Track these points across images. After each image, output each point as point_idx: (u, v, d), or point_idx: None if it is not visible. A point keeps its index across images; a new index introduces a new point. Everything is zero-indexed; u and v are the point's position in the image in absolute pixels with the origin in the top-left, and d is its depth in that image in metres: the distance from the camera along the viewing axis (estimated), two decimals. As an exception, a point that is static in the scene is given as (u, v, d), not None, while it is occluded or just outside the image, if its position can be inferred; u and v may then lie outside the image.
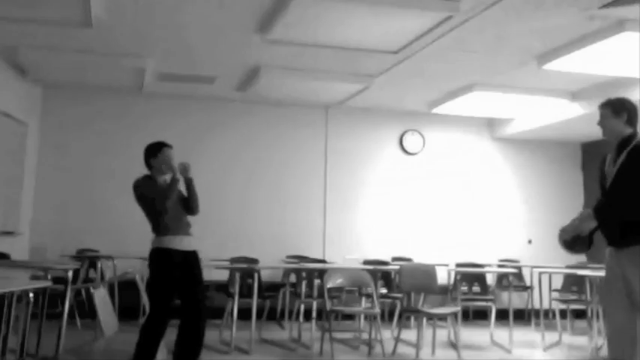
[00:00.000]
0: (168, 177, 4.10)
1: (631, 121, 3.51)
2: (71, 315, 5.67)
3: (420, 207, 8.16)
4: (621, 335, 3.38)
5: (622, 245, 3.44)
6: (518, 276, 7.68)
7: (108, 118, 7.45)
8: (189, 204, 4.17)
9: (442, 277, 6.15)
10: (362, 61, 6.03)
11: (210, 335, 5.92)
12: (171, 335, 4.07)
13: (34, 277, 4.64)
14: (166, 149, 4.15)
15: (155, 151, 4.13)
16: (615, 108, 3.54)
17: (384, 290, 6.54)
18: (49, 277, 4.46)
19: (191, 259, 4.10)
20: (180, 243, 4.04)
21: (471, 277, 6.78)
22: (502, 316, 6.36)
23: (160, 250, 3.99)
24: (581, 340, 6.36)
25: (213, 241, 7.29)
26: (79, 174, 7.29)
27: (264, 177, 7.81)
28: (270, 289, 6.43)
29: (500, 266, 7.67)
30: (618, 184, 3.47)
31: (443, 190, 8.28)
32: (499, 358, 5.56)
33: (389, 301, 6.58)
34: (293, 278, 6.69)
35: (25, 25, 5.24)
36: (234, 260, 6.24)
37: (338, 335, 6.00)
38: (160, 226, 4.01)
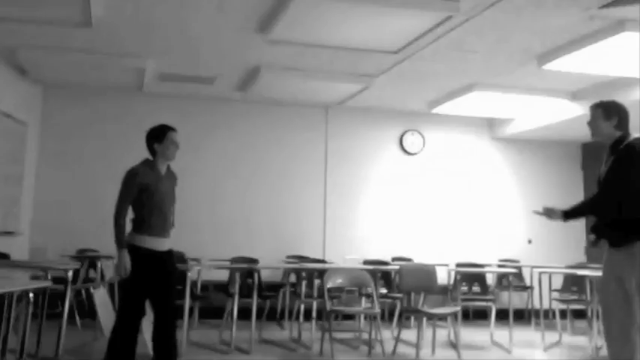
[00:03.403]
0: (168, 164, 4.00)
1: (621, 125, 3.58)
2: (71, 315, 5.67)
3: (420, 207, 8.16)
4: (620, 337, 3.39)
5: (617, 245, 3.47)
6: (518, 276, 7.68)
7: (108, 118, 7.45)
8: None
9: (442, 277, 6.16)
10: (362, 61, 6.03)
11: (211, 335, 5.94)
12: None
13: (34, 277, 4.63)
14: (172, 133, 3.95)
15: (160, 136, 3.93)
16: (607, 111, 3.59)
17: (384, 290, 6.54)
18: (49, 277, 4.46)
19: (165, 258, 3.92)
20: (159, 244, 3.87)
21: (470, 277, 6.79)
22: (502, 316, 6.36)
23: (137, 248, 3.81)
24: (581, 340, 6.36)
25: (213, 241, 7.32)
26: (79, 174, 7.29)
27: (264, 177, 7.81)
28: (270, 289, 6.43)
29: (500, 266, 7.67)
30: (607, 185, 3.53)
31: (443, 190, 8.28)
32: (499, 358, 5.56)
33: (389, 301, 6.58)
34: (293, 278, 6.69)
35: (25, 25, 5.24)
36: (234, 260, 6.24)
37: (338, 335, 6.00)
38: (143, 224, 3.83)
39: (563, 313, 6.79)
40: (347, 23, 4.84)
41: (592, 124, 3.66)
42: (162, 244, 3.89)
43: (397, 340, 5.43)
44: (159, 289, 3.86)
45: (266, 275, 6.40)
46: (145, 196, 3.83)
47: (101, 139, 7.39)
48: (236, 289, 5.69)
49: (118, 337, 3.82)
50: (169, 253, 3.97)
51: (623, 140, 3.53)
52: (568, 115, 7.04)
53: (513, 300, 6.38)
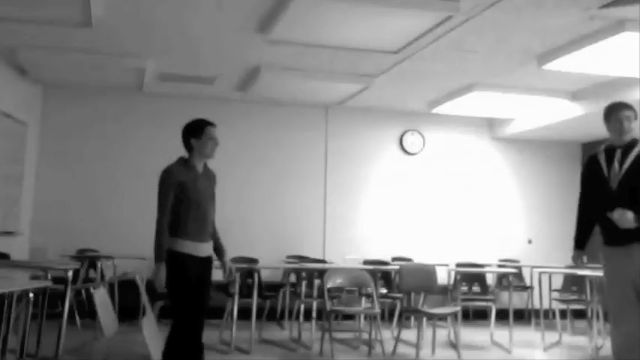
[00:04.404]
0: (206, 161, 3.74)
1: None
2: (71, 315, 5.67)
3: (420, 207, 8.16)
4: (633, 341, 3.36)
5: (618, 244, 3.47)
6: (518, 276, 7.68)
7: (108, 118, 7.45)
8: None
9: (442, 277, 6.16)
10: (362, 61, 6.03)
11: (210, 335, 5.93)
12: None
13: (34, 277, 4.64)
14: (210, 128, 3.71)
15: (198, 131, 3.67)
16: (635, 112, 3.69)
17: (384, 290, 6.54)
18: (49, 277, 4.46)
19: (206, 264, 3.68)
20: (198, 249, 3.59)
21: (470, 277, 6.79)
22: (502, 316, 6.36)
23: (175, 253, 3.51)
24: (581, 340, 6.36)
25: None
26: (79, 174, 7.29)
27: (264, 177, 7.81)
28: (270, 289, 6.43)
29: (500, 266, 7.68)
30: (633, 183, 3.50)
31: (443, 190, 8.28)
32: (499, 358, 5.56)
33: (389, 301, 6.59)
34: (293, 278, 6.69)
35: (25, 25, 5.23)
36: (233, 260, 6.21)
37: (338, 335, 6.00)
38: (180, 227, 3.53)
39: (563, 313, 6.79)
40: (347, 23, 4.84)
41: (629, 125, 3.61)
42: (200, 250, 3.61)
43: (397, 340, 5.43)
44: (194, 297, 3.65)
45: (266, 275, 6.40)
46: (181, 196, 3.56)
47: (101, 139, 7.38)
48: (236, 289, 5.68)
49: (180, 344, 3.63)
50: (208, 261, 3.69)
51: (637, 141, 3.60)
52: (568, 115, 7.04)
53: (513, 300, 6.38)
